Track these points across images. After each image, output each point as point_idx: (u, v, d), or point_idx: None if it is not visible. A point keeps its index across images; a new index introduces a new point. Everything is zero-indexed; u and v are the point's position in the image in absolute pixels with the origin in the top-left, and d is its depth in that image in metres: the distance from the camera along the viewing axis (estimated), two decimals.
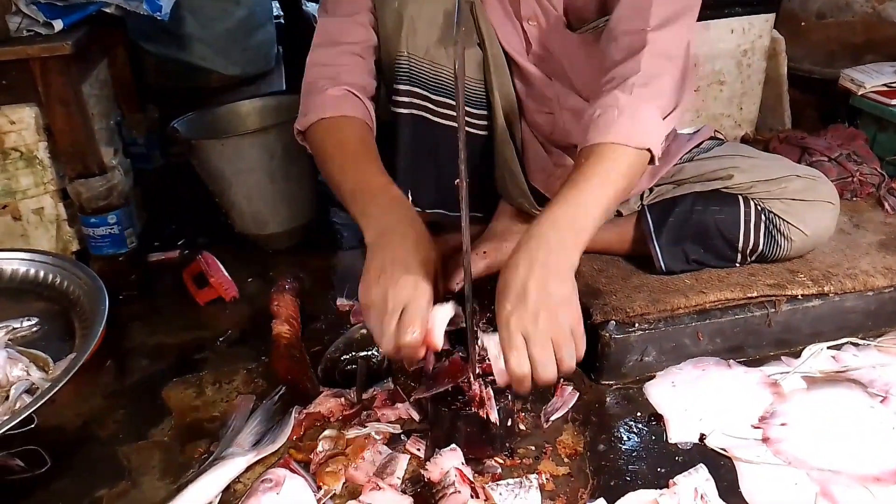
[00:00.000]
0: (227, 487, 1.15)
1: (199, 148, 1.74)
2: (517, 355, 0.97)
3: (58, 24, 1.49)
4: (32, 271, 1.32)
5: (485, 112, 1.42)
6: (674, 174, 1.41)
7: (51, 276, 1.30)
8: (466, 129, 1.34)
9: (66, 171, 1.60)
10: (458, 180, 0.93)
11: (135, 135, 2.08)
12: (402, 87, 1.33)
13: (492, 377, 1.18)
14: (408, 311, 1.01)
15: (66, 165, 1.58)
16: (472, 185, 1.43)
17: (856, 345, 1.38)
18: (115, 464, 1.23)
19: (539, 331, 0.97)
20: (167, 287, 1.77)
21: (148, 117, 2.11)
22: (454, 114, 1.28)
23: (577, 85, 1.39)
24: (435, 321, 1.04)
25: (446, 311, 1.05)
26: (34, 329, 1.24)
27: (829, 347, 1.37)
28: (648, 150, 1.08)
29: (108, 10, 1.63)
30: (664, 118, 1.11)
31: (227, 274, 1.71)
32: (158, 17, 1.67)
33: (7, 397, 1.06)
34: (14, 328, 1.21)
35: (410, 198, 1.23)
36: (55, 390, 1.00)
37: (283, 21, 2.94)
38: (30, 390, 1.08)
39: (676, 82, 1.14)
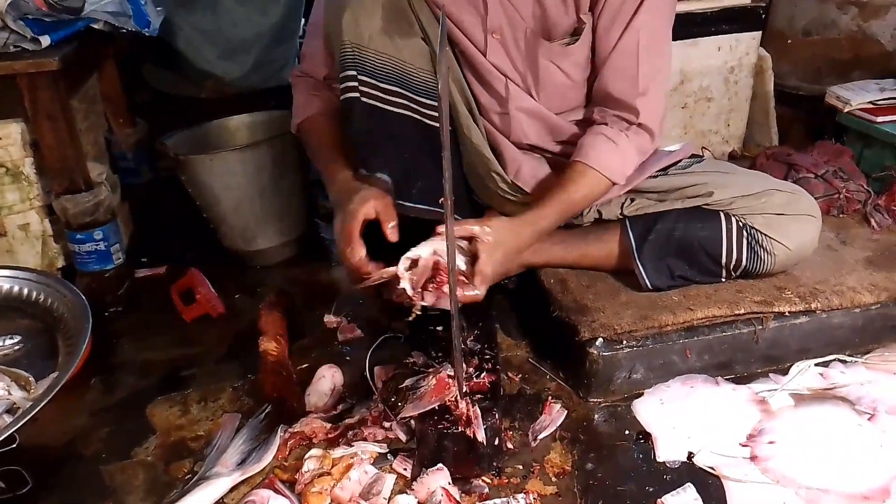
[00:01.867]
0: None
1: (187, 163, 1.74)
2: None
3: (45, 40, 1.48)
4: (16, 288, 1.31)
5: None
6: (653, 188, 1.42)
7: (35, 294, 1.29)
8: (425, 120, 1.40)
9: (52, 187, 1.59)
10: (441, 199, 0.92)
11: (124, 149, 2.07)
12: (347, 72, 1.33)
13: (478, 395, 1.19)
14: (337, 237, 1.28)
15: (53, 181, 1.57)
16: (441, 184, 1.47)
17: (843, 361, 1.38)
18: (99, 483, 1.22)
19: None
20: (154, 303, 1.76)
21: (137, 132, 2.10)
22: (405, 102, 1.37)
23: (534, 90, 1.42)
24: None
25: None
26: (17, 347, 1.22)
27: (816, 364, 1.37)
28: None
29: (96, 27, 1.63)
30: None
31: (213, 290, 1.70)
32: (146, 33, 1.67)
33: None
34: None
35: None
36: (36, 410, 0.99)
37: None
38: (10, 410, 1.07)
39: (657, 136, 1.39)
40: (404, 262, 1.19)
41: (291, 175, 1.78)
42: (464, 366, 1.22)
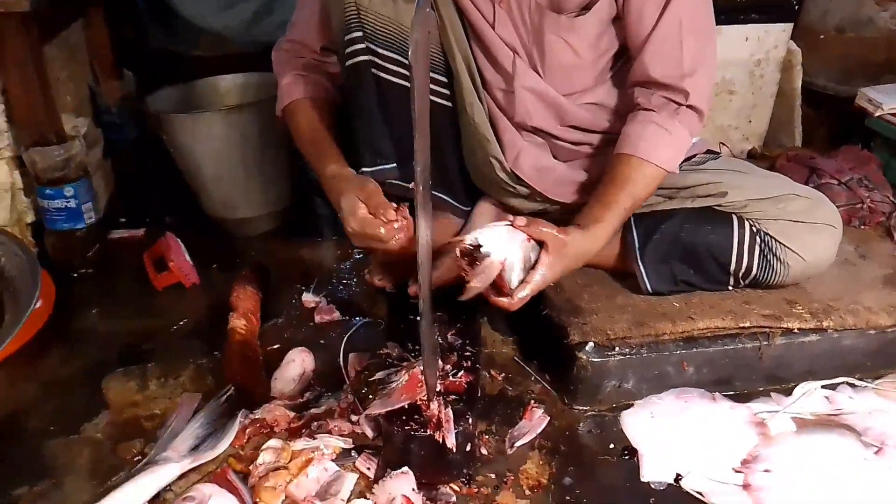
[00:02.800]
0: (157, 496, 1.06)
1: (168, 122, 1.64)
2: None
3: None
4: None
5: (444, 79, 1.34)
6: (663, 184, 1.30)
7: None
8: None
9: (22, 138, 1.49)
10: (412, 183, 0.81)
11: (109, 104, 1.97)
12: (353, 34, 1.24)
13: (453, 396, 1.10)
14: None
15: (23, 132, 1.48)
16: (437, 164, 1.38)
17: (852, 385, 1.28)
18: (41, 460, 1.15)
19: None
20: (126, 267, 1.68)
21: (124, 86, 2.00)
22: (405, 72, 1.26)
23: (540, 68, 1.31)
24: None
25: None
26: None
27: (823, 387, 1.28)
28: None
29: None
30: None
31: (188, 259, 1.61)
32: None
33: None
34: None
35: (368, 160, 1.29)
36: None
37: None
38: None
39: (706, 115, 1.27)
40: (469, 240, 1.09)
41: (278, 142, 1.68)
42: (440, 363, 1.13)
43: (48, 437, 1.18)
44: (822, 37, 2.05)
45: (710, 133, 1.95)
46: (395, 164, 1.28)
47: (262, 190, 1.74)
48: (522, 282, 1.11)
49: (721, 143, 1.90)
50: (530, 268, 1.13)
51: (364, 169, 1.27)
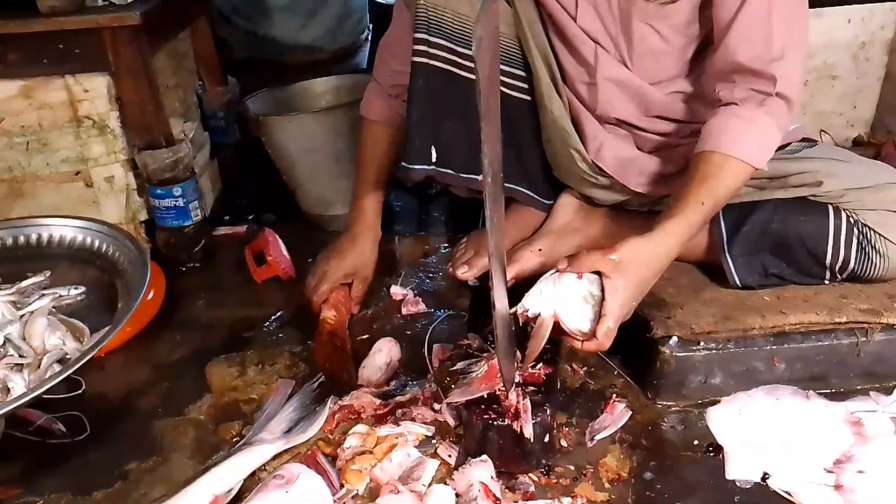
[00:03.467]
0: (252, 474, 1.12)
1: (266, 124, 1.73)
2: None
3: None
4: (88, 239, 1.33)
5: (523, 73, 1.35)
6: (756, 173, 1.26)
7: (103, 246, 1.31)
8: (505, 90, 1.30)
9: (135, 142, 1.61)
10: (481, 177, 0.83)
11: (214, 108, 2.09)
12: (419, 34, 1.27)
13: (532, 388, 1.11)
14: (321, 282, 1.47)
15: (135, 135, 1.60)
16: (518, 158, 1.39)
17: None
18: (150, 438, 1.23)
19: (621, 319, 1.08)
20: (230, 262, 1.78)
21: (228, 91, 2.12)
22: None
23: (627, 57, 1.29)
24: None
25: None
26: (80, 298, 1.25)
27: None
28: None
29: None
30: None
31: (286, 253, 1.69)
32: None
33: (39, 365, 1.06)
34: (60, 295, 1.23)
35: (435, 157, 1.32)
36: (77, 365, 0.99)
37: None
38: (61, 360, 1.09)
39: (798, 103, 1.20)
40: (519, 309, 1.08)
41: None
42: (518, 355, 1.14)
43: (157, 417, 1.27)
44: None
45: (811, 120, 1.87)
46: (427, 166, 1.32)
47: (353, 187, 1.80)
48: (601, 316, 1.05)
49: (822, 130, 1.82)
50: (601, 300, 1.07)
51: (403, 164, 1.32)
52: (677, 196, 1.15)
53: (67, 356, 1.09)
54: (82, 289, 1.25)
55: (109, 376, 1.38)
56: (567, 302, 1.06)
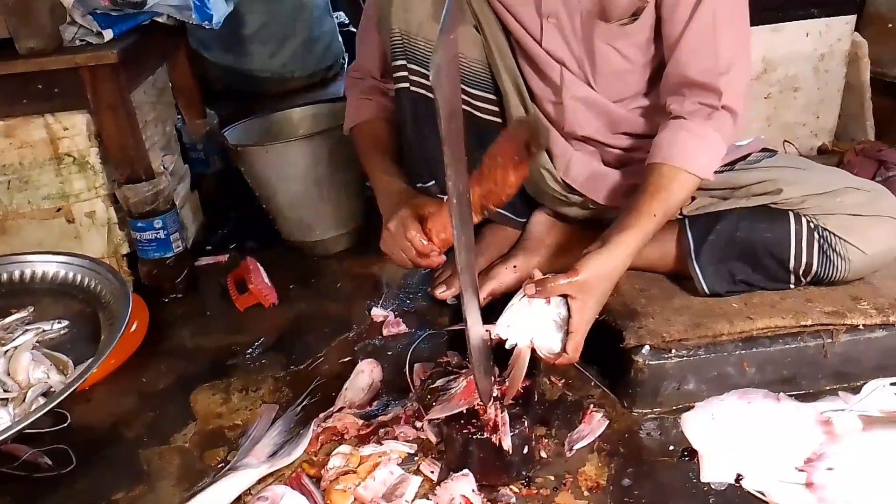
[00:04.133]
0: (238, 498, 1.14)
1: (245, 154, 1.76)
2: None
3: (108, 34, 1.52)
4: (71, 274, 1.36)
5: (493, 96, 1.39)
6: (717, 185, 1.31)
7: (86, 280, 1.33)
8: (477, 113, 1.37)
9: (115, 176, 1.64)
10: (445, 197, 0.87)
11: (194, 140, 2.12)
12: (398, 62, 1.32)
13: (510, 401, 1.13)
14: (406, 225, 1.25)
15: (116, 170, 1.62)
16: None
17: None
18: (136, 467, 1.25)
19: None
20: (213, 290, 1.80)
21: (208, 122, 2.15)
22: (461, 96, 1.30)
23: (591, 76, 1.34)
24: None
25: None
26: (63, 331, 1.27)
27: (893, 384, 1.23)
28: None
29: (160, 20, 1.67)
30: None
31: (267, 280, 1.72)
32: (207, 27, 1.70)
33: (24, 399, 1.08)
34: (44, 330, 1.25)
35: (431, 178, 1.38)
36: (60, 398, 1.01)
37: (352, 29, 2.98)
38: (46, 393, 1.11)
39: (742, 115, 1.25)
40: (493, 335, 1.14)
41: (347, 167, 1.77)
42: (496, 370, 1.17)
43: (143, 446, 1.29)
44: (890, 25, 1.98)
45: (776, 131, 1.93)
46: (433, 182, 1.36)
47: (334, 212, 1.83)
48: (568, 333, 1.13)
49: (786, 141, 1.87)
50: (568, 318, 1.14)
51: (417, 185, 1.36)
52: (630, 207, 1.20)
53: (52, 389, 1.11)
54: (65, 322, 1.28)
55: (95, 407, 1.39)
56: (540, 330, 1.14)
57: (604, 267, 1.15)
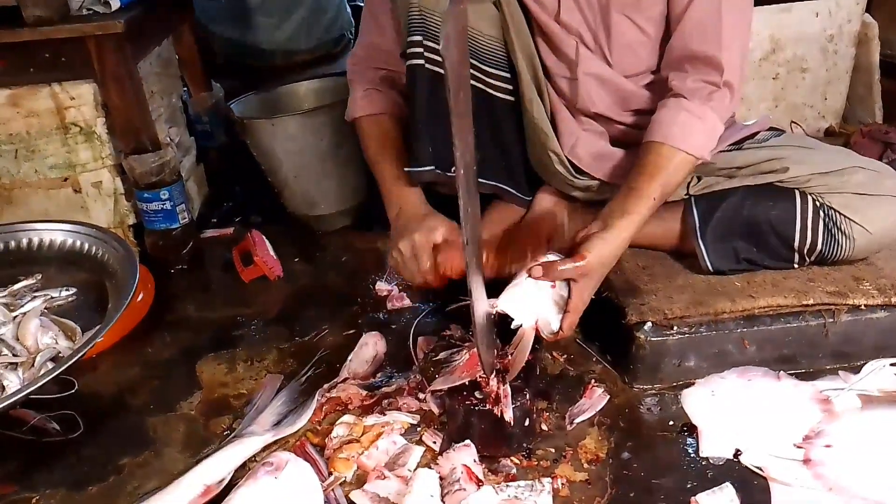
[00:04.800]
0: (243, 465, 1.16)
1: (251, 127, 1.76)
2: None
3: (115, 3, 1.53)
4: (78, 243, 1.37)
5: (507, 74, 1.38)
6: (724, 164, 1.31)
7: (92, 248, 1.34)
8: (491, 91, 1.36)
9: (122, 147, 1.64)
10: (453, 168, 0.88)
11: (200, 113, 2.12)
12: (414, 38, 1.30)
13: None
14: (418, 253, 1.26)
15: (122, 141, 1.63)
16: (502, 157, 1.42)
17: None
18: (142, 433, 1.27)
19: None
20: (217, 263, 1.81)
21: (213, 96, 2.15)
22: (472, 72, 1.31)
23: (606, 48, 1.33)
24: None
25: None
26: (71, 299, 1.28)
27: (893, 364, 1.24)
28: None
29: None
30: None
31: (273, 253, 1.73)
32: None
33: (33, 364, 1.09)
34: (52, 297, 1.26)
35: (435, 159, 1.33)
36: (71, 362, 1.03)
37: (360, 3, 2.96)
38: (55, 358, 1.12)
39: (739, 92, 1.25)
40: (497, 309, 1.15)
41: (352, 141, 1.76)
42: (498, 343, 1.18)
43: (149, 413, 1.31)
44: None
45: (783, 112, 1.92)
46: (433, 167, 1.33)
47: (338, 187, 1.84)
48: (566, 312, 1.15)
49: (793, 122, 1.87)
50: (567, 299, 1.17)
51: (407, 168, 1.33)
52: (631, 188, 1.21)
53: (60, 354, 1.13)
54: (73, 290, 1.29)
55: (101, 376, 1.41)
56: (543, 310, 1.15)
57: (605, 252, 1.17)
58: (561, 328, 1.15)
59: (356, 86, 1.49)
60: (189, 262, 1.77)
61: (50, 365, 1.10)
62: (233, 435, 1.21)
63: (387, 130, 1.44)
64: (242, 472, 1.14)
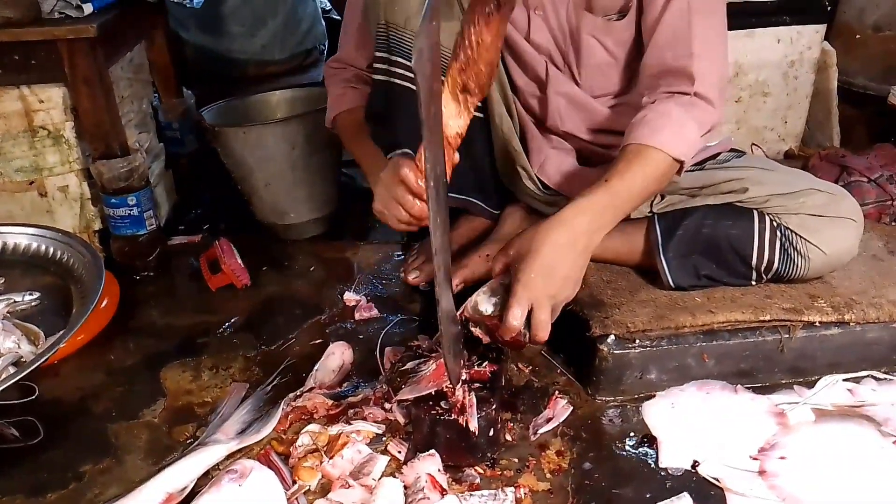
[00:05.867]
0: (206, 473, 1.15)
1: (222, 135, 1.76)
2: (520, 314, 1.10)
3: (88, 8, 1.52)
4: (43, 247, 1.35)
5: None
6: (687, 183, 1.34)
7: (58, 253, 1.33)
8: None
9: (90, 151, 1.63)
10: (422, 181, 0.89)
11: (170, 119, 2.11)
12: (379, 53, 1.33)
13: (478, 384, 1.16)
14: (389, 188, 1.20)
15: (90, 145, 1.62)
16: (471, 171, 1.45)
17: (877, 379, 1.30)
18: (104, 440, 1.25)
19: (551, 301, 1.12)
20: (184, 270, 1.80)
21: (184, 102, 2.14)
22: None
23: (575, 68, 1.36)
24: None
25: None
26: (34, 303, 1.27)
27: (845, 379, 1.29)
28: (681, 161, 1.20)
29: None
30: (701, 136, 1.23)
31: (240, 261, 1.72)
32: (188, 5, 1.69)
33: None
34: (14, 301, 1.24)
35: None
36: (34, 366, 1.02)
37: (334, 16, 2.97)
38: (17, 363, 1.11)
39: (718, 106, 1.25)
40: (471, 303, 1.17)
41: (323, 151, 1.78)
42: (465, 354, 1.19)
43: (111, 420, 1.29)
44: (858, 36, 2.05)
45: (745, 134, 1.98)
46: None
47: (308, 196, 1.84)
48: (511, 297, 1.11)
49: (753, 144, 1.92)
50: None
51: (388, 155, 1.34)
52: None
53: (22, 359, 1.11)
54: (37, 294, 1.27)
55: (63, 382, 1.39)
56: (481, 293, 1.18)
57: (547, 231, 1.13)
58: (503, 318, 1.11)
59: (332, 88, 1.54)
60: (155, 269, 1.76)
61: (12, 369, 1.08)
62: (196, 443, 1.21)
63: (363, 120, 1.47)
64: (206, 480, 1.13)
